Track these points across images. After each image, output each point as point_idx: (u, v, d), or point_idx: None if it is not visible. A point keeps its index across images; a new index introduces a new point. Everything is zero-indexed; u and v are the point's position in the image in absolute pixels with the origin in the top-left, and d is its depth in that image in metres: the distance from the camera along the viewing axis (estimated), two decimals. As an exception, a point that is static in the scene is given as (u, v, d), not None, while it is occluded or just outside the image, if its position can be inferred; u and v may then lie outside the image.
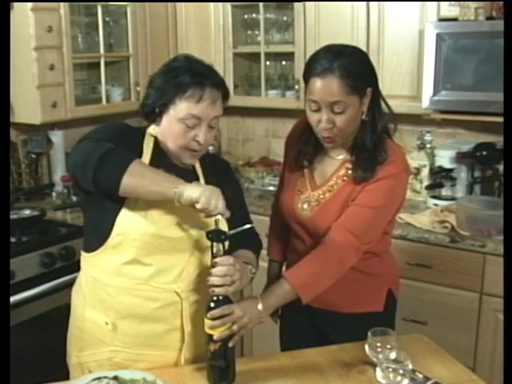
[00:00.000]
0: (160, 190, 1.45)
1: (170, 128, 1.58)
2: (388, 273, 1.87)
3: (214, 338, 1.49)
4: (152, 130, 1.64)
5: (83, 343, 1.67)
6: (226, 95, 1.62)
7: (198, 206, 1.41)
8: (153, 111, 1.59)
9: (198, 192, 1.42)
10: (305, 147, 1.80)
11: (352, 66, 1.61)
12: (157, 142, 1.63)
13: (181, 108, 1.54)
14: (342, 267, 1.68)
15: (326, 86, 1.60)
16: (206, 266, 1.60)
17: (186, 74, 1.54)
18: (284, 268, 1.95)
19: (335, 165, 1.77)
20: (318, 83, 1.61)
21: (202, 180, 1.68)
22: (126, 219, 1.55)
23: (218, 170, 1.76)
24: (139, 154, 1.59)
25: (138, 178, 1.44)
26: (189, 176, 1.64)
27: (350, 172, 1.73)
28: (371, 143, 1.70)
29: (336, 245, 1.66)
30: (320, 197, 1.76)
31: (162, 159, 1.62)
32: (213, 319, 1.48)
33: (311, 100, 1.64)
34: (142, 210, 1.55)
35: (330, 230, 1.68)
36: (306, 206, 1.79)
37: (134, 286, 1.58)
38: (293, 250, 1.89)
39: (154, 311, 1.60)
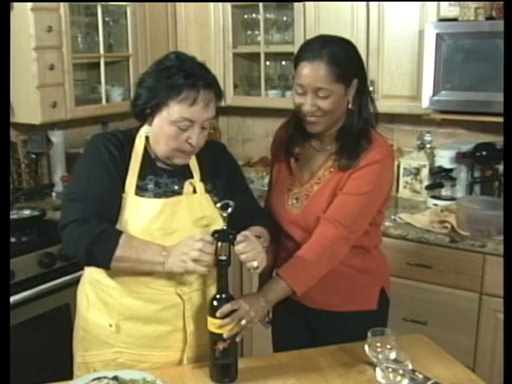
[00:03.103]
0: (148, 270, 1.52)
1: (161, 130, 1.55)
2: (380, 270, 1.87)
3: (225, 336, 1.49)
4: (144, 131, 1.62)
5: (87, 344, 1.67)
6: (219, 94, 1.59)
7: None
8: (143, 111, 1.56)
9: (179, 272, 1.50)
10: (295, 133, 1.80)
11: (340, 54, 1.65)
12: (146, 145, 1.62)
13: (174, 111, 1.51)
14: (334, 258, 1.69)
15: (313, 71, 1.64)
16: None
17: (179, 75, 1.50)
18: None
19: (322, 158, 1.79)
20: (305, 68, 1.65)
21: (196, 176, 1.65)
22: (124, 219, 1.55)
23: (210, 151, 1.70)
24: (128, 162, 1.59)
25: (124, 263, 1.50)
26: (181, 176, 1.63)
27: (336, 163, 1.74)
28: (357, 129, 1.72)
29: (326, 237, 1.67)
30: (308, 190, 1.77)
31: (152, 165, 1.62)
32: (222, 317, 1.48)
33: (298, 84, 1.68)
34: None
35: (320, 222, 1.69)
36: (295, 201, 1.79)
37: (135, 289, 1.59)
38: (284, 248, 1.85)
39: (157, 313, 1.60)
